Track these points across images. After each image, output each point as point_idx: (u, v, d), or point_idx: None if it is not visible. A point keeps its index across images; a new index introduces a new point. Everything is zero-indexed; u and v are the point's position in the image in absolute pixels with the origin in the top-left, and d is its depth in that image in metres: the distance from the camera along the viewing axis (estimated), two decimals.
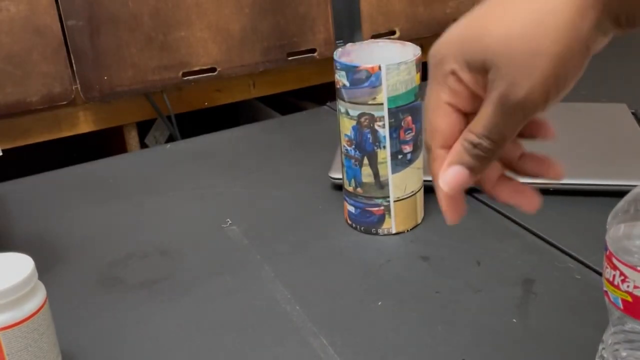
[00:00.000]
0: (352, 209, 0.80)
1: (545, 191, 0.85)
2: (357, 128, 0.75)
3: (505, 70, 0.38)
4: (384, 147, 0.75)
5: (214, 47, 1.29)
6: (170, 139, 1.47)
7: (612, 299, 0.51)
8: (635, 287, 0.49)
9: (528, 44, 0.36)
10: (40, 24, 1.16)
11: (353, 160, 0.77)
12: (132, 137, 1.34)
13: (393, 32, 1.40)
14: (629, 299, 0.50)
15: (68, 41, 1.19)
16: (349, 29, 1.38)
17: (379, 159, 0.76)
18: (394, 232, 0.79)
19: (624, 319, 0.52)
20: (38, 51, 1.16)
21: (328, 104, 1.17)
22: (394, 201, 0.77)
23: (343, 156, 0.79)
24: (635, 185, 0.52)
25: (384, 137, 0.75)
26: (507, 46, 0.37)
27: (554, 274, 0.71)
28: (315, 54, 1.36)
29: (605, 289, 0.52)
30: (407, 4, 1.40)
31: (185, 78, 1.29)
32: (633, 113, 1.01)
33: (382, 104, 0.73)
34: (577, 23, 0.36)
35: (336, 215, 0.83)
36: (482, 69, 0.39)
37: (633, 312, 0.50)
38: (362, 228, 0.80)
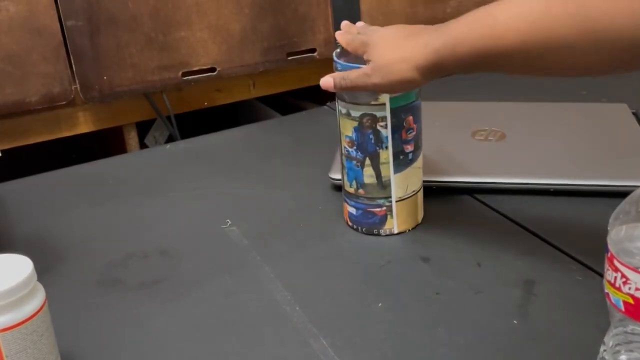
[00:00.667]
0: (353, 210, 0.79)
1: (545, 191, 0.85)
2: (359, 129, 0.75)
3: (372, 67, 0.70)
4: (386, 147, 0.75)
5: (214, 47, 1.29)
6: (170, 139, 1.47)
7: (613, 301, 0.51)
8: (636, 289, 0.49)
9: (389, 67, 0.69)
10: (40, 24, 1.15)
11: (354, 162, 0.77)
12: (132, 138, 1.34)
13: None
14: (631, 301, 0.50)
15: (67, 41, 1.19)
16: None
17: (381, 160, 0.75)
18: (395, 232, 0.79)
19: (625, 321, 0.52)
20: (37, 51, 1.16)
21: (328, 104, 1.17)
22: (396, 201, 0.77)
23: (344, 157, 0.78)
24: (636, 186, 0.52)
25: (386, 137, 0.74)
26: (381, 59, 0.70)
27: (554, 275, 0.71)
28: (315, 54, 1.35)
29: (606, 290, 0.52)
30: (407, 3, 1.40)
31: (185, 78, 1.28)
32: (634, 113, 1.01)
33: (384, 104, 0.73)
34: (409, 73, 0.68)
35: (336, 216, 0.83)
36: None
37: (634, 314, 0.50)
38: (363, 229, 0.79)
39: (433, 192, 0.84)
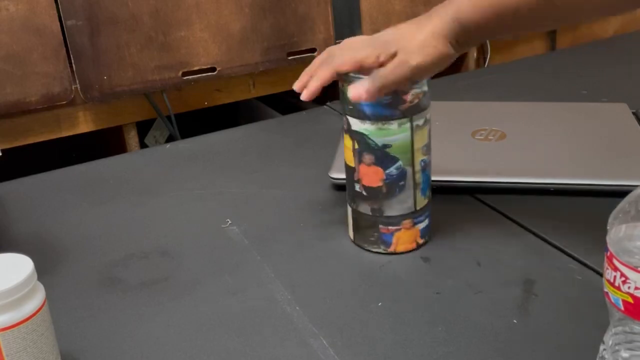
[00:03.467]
0: (427, 222, 0.77)
1: (545, 191, 0.85)
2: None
3: (405, 52, 0.68)
4: None
5: (214, 47, 1.29)
6: (170, 139, 1.47)
7: (613, 300, 0.51)
8: (636, 288, 0.49)
9: (424, 46, 0.68)
10: (40, 24, 1.16)
11: (428, 168, 0.76)
12: (132, 137, 1.34)
13: None
14: (630, 300, 0.50)
15: (68, 41, 1.19)
16: (349, 28, 1.38)
17: None
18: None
19: (624, 320, 0.52)
20: (38, 51, 1.16)
21: (328, 103, 1.17)
22: None
23: (418, 175, 0.74)
24: (636, 186, 0.52)
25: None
26: (412, 42, 0.69)
27: (554, 275, 0.71)
28: (316, 54, 1.35)
29: (606, 289, 0.52)
30: (407, 3, 1.40)
31: (185, 78, 1.28)
32: (634, 113, 1.01)
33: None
34: (444, 47, 0.68)
35: (336, 216, 0.83)
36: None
37: (634, 314, 0.50)
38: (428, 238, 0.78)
39: (433, 192, 0.84)
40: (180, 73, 1.28)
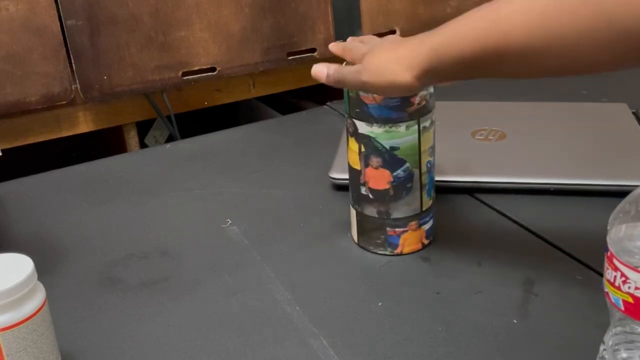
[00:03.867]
0: (431, 222, 0.77)
1: (545, 191, 0.85)
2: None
3: (364, 65, 0.67)
4: None
5: (214, 47, 1.29)
6: (170, 139, 1.47)
7: (613, 300, 0.51)
8: (636, 288, 0.49)
9: (380, 67, 0.65)
10: (40, 24, 1.15)
11: (433, 167, 0.75)
12: (132, 137, 1.34)
13: (393, 32, 1.40)
14: (630, 300, 0.50)
15: (68, 41, 1.19)
16: (349, 28, 1.38)
17: None
18: None
19: (625, 320, 0.52)
20: (38, 51, 1.16)
21: (328, 103, 1.17)
22: None
23: (425, 177, 0.74)
24: (636, 186, 0.52)
25: None
26: (374, 59, 0.67)
27: (554, 275, 0.71)
28: (316, 54, 1.35)
29: (606, 289, 0.52)
30: (407, 3, 1.40)
31: (185, 78, 1.28)
32: (634, 113, 1.01)
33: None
34: (402, 75, 0.64)
35: (336, 216, 0.83)
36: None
37: (634, 314, 0.50)
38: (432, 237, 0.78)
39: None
40: (180, 73, 1.28)
